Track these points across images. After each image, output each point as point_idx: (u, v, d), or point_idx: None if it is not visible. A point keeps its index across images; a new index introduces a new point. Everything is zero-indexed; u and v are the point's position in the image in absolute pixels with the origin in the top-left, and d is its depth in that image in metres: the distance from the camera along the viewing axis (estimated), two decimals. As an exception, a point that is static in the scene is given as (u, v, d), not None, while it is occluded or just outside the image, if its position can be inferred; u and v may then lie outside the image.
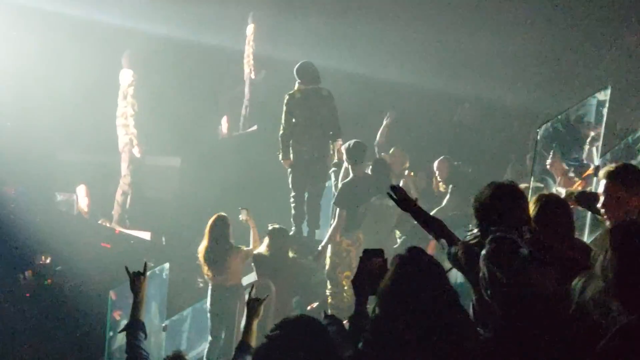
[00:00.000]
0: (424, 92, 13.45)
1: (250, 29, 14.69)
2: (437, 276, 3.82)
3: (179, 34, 13.42)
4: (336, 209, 9.43)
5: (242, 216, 9.20)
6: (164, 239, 11.81)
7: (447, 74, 13.55)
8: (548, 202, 4.81)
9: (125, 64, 12.13)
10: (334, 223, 9.43)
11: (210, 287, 9.01)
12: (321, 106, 10.04)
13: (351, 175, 9.44)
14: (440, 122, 13.33)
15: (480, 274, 3.85)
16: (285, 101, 10.09)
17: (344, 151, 9.47)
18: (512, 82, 13.20)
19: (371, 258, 4.18)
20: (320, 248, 9.52)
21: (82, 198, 12.26)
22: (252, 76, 14.70)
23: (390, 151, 11.23)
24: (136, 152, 12.20)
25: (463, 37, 13.64)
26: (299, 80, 10.09)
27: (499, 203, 4.43)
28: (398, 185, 4.85)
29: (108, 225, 11.94)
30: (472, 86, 13.20)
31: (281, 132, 10.19)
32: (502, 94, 12.97)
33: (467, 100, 13.51)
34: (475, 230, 4.62)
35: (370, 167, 9.74)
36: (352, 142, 9.45)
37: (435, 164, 10.48)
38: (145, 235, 11.59)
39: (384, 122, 12.08)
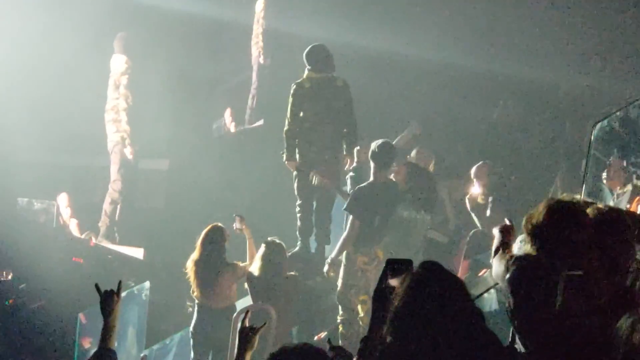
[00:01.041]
0: (457, 77, 13.34)
1: (260, 3, 14.57)
2: (457, 294, 3.78)
3: (175, 8, 13.37)
4: (349, 218, 9.32)
5: (237, 224, 9.13)
6: (156, 262, 11.72)
7: (484, 55, 13.42)
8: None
9: (117, 48, 12.03)
10: (344, 234, 9.30)
11: (196, 307, 8.95)
12: (334, 99, 9.94)
13: (371, 178, 9.33)
14: (476, 119, 13.22)
15: (506, 303, 3.82)
16: (292, 91, 9.97)
17: (369, 152, 9.35)
18: (568, 68, 13.04)
19: (396, 270, 4.08)
20: (328, 263, 9.40)
21: (63, 209, 12.21)
22: (261, 60, 14.57)
23: (413, 153, 11.11)
24: (128, 153, 12.08)
25: (504, 10, 13.54)
26: (309, 67, 9.96)
27: (555, 228, 4.36)
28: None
29: (94, 239, 11.86)
30: (516, 73, 13.06)
31: (286, 128, 10.07)
32: (553, 84, 12.82)
33: (510, 91, 13.39)
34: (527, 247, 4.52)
35: (407, 173, 9.60)
36: (379, 142, 9.26)
37: (473, 170, 10.36)
38: (139, 253, 11.51)
39: (407, 132, 11.91)
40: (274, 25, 14.45)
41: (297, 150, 10.11)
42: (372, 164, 9.28)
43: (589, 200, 7.24)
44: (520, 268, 3.84)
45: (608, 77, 12.56)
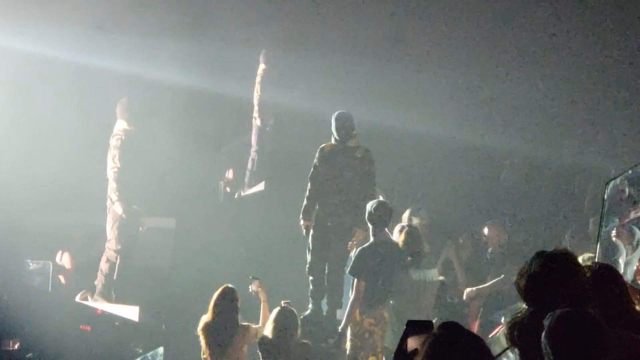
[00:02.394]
0: (460, 145, 13.46)
1: (260, 68, 14.75)
2: (479, 353, 3.77)
3: (178, 78, 13.56)
4: (354, 281, 9.38)
5: (253, 287, 9.16)
6: (164, 326, 11.68)
7: (488, 123, 13.57)
8: (599, 270, 4.77)
9: (119, 113, 12.15)
10: (351, 298, 9.34)
11: None
12: (347, 168, 10.04)
13: (371, 239, 9.41)
14: (484, 180, 13.30)
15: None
16: (316, 154, 10.14)
17: (366, 212, 9.46)
18: (567, 134, 13.19)
19: (416, 331, 4.12)
20: (340, 329, 9.43)
21: (64, 268, 12.19)
22: (258, 123, 14.67)
23: (416, 220, 11.12)
24: (118, 208, 12.08)
25: (504, 84, 13.71)
26: (334, 134, 10.12)
27: (550, 278, 4.33)
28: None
29: (90, 298, 11.83)
30: (519, 139, 13.20)
31: (308, 187, 10.23)
32: (556, 148, 12.96)
33: (515, 155, 13.49)
34: (521, 312, 4.50)
35: (403, 236, 9.67)
36: (375, 202, 9.44)
37: (485, 230, 10.43)
38: (134, 312, 11.47)
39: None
40: (272, 92, 14.63)
41: (312, 212, 10.18)
42: (370, 226, 9.39)
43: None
44: (562, 320, 3.83)
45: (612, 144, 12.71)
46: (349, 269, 9.45)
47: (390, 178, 12.33)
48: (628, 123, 12.81)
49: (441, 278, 10.19)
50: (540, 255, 4.46)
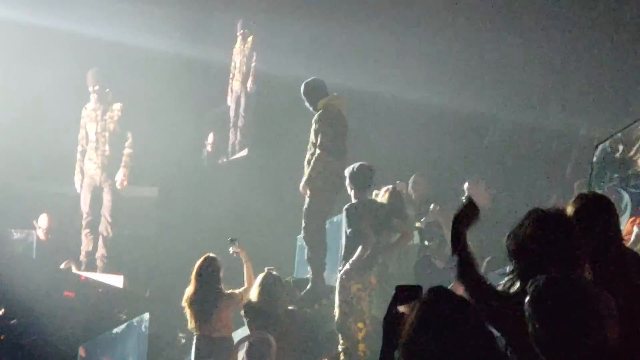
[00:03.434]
0: (445, 109, 13.42)
1: (239, 35, 14.71)
2: (468, 317, 3.73)
3: (159, 45, 13.47)
4: (353, 237, 9.19)
5: (233, 248, 9.11)
6: (148, 290, 11.64)
7: (472, 86, 13.52)
8: (589, 201, 4.75)
9: (89, 81, 12.03)
10: (361, 245, 9.08)
11: (195, 339, 8.87)
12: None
13: (354, 200, 9.32)
14: (469, 144, 13.29)
15: (530, 329, 3.75)
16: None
17: (347, 175, 9.38)
18: (552, 99, 13.18)
19: (405, 296, 4.08)
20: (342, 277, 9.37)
21: (42, 230, 12.13)
22: (249, 88, 14.64)
23: (411, 179, 11.15)
24: (117, 179, 12.03)
25: (491, 49, 13.66)
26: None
27: (544, 238, 4.26)
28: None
29: (74, 268, 11.78)
30: (505, 104, 13.17)
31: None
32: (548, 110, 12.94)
33: (500, 120, 13.47)
34: (511, 275, 4.46)
35: (387, 196, 9.63)
36: (356, 165, 9.33)
37: (466, 185, 10.39)
38: (118, 281, 11.45)
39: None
40: (253, 59, 14.58)
41: None
42: (351, 187, 9.30)
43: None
44: (546, 287, 3.78)
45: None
46: (348, 230, 9.28)
47: (378, 145, 12.26)
48: (614, 88, 12.79)
49: (425, 242, 10.17)
50: (532, 213, 4.39)
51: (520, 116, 13.07)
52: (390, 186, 9.86)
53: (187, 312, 8.81)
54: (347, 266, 9.10)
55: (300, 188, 10.00)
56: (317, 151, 9.89)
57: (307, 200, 9.98)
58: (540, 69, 13.26)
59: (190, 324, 8.84)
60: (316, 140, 9.89)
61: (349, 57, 14.07)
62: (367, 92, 13.44)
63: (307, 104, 10.09)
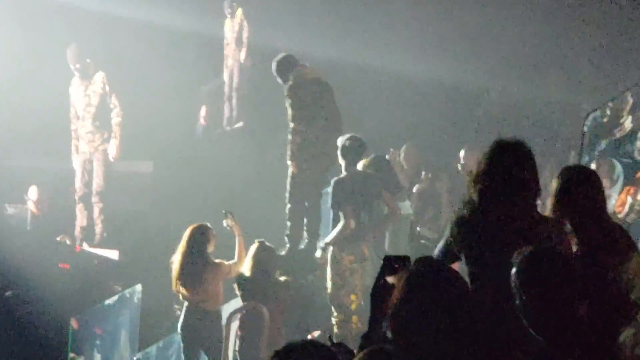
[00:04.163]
0: (438, 81, 13.39)
1: (232, 9, 14.70)
2: (455, 286, 3.72)
3: (152, 18, 13.40)
4: (336, 214, 9.23)
5: (227, 221, 9.10)
6: (143, 267, 11.60)
7: (465, 59, 13.48)
8: (572, 174, 4.73)
9: (70, 58, 11.95)
10: (338, 227, 9.16)
11: (184, 308, 8.88)
12: None
13: (344, 173, 9.33)
14: (460, 116, 13.25)
15: (517, 301, 3.75)
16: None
17: (338, 146, 9.36)
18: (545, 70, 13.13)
19: (393, 267, 4.06)
20: (321, 247, 9.36)
21: (32, 202, 12.11)
22: (242, 61, 14.63)
23: (403, 147, 11.12)
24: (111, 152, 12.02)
25: (483, 19, 13.60)
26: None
27: (500, 165, 4.35)
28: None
29: (69, 243, 11.78)
30: (498, 70, 13.12)
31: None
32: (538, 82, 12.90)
33: (492, 91, 13.44)
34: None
35: (378, 168, 9.60)
36: (346, 136, 9.30)
37: (462, 153, 10.37)
38: (113, 254, 11.44)
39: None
40: (247, 32, 14.53)
41: None
42: (342, 160, 9.27)
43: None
44: (531, 259, 3.78)
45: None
46: (330, 205, 9.31)
47: (370, 116, 12.22)
48: (606, 59, 12.76)
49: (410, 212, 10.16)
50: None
51: (514, 86, 13.03)
52: (375, 155, 9.85)
53: (174, 275, 8.80)
54: (328, 240, 9.19)
55: (288, 164, 10.08)
56: (291, 125, 10.00)
57: (290, 172, 10.10)
58: (534, 39, 13.22)
59: (177, 291, 8.84)
60: (288, 114, 9.99)
61: (339, 27, 14.00)
62: (360, 64, 13.39)
63: (279, 80, 10.16)
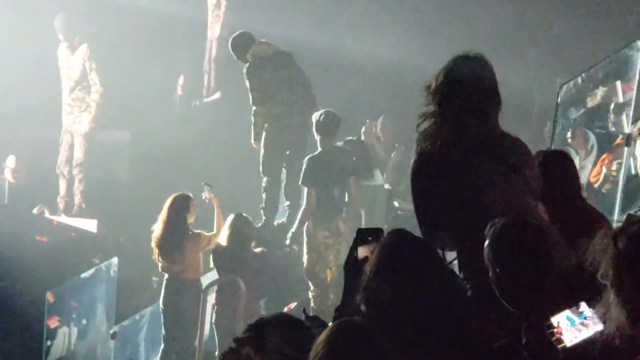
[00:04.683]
0: (413, 56, 13.34)
1: None
2: (428, 258, 3.75)
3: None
4: (304, 191, 9.30)
5: (205, 194, 9.08)
6: (121, 239, 11.59)
7: (439, 37, 13.44)
8: (551, 156, 4.72)
9: (58, 27, 11.86)
10: (302, 207, 9.30)
11: (165, 280, 8.90)
12: None
13: (319, 149, 9.32)
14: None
15: (490, 273, 3.75)
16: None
17: (313, 122, 9.35)
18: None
19: (366, 239, 4.05)
20: (289, 237, 9.52)
21: (10, 170, 12.03)
22: (217, 34, 14.56)
23: (379, 120, 11.11)
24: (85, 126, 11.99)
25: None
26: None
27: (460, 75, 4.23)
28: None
29: (47, 213, 11.72)
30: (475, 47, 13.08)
31: None
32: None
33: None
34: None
35: (352, 145, 9.64)
36: (322, 112, 9.31)
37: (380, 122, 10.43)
38: (91, 225, 11.39)
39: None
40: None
41: None
42: (317, 135, 9.30)
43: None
44: (504, 230, 3.77)
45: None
46: (301, 179, 9.33)
47: (345, 90, 12.20)
48: (583, 31, 12.79)
49: (387, 186, 10.19)
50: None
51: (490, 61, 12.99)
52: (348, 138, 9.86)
53: (154, 245, 8.82)
54: (294, 229, 9.42)
55: (254, 146, 10.24)
56: (253, 107, 10.10)
57: (260, 150, 10.21)
58: (511, 14, 13.21)
59: (158, 261, 8.85)
60: (249, 96, 10.09)
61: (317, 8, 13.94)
62: (339, 45, 13.37)
63: (235, 58, 10.25)
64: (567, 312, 3.31)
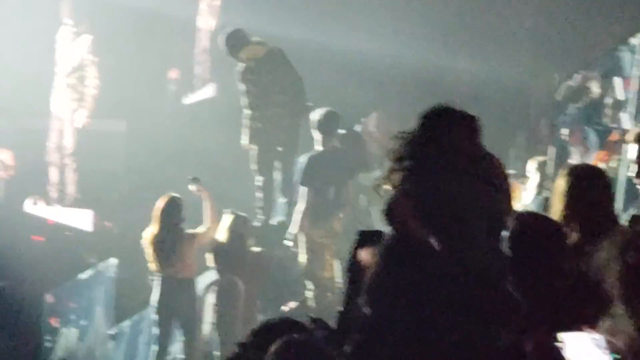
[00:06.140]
0: (408, 53, 13.37)
1: None
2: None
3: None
4: (302, 190, 9.27)
5: (193, 188, 9.07)
6: (117, 230, 11.56)
7: (433, 34, 13.47)
8: (582, 173, 4.62)
9: (64, 12, 11.86)
10: (299, 206, 9.28)
11: (159, 281, 8.87)
12: None
13: (320, 148, 9.31)
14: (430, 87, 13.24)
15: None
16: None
17: (312, 120, 9.35)
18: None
19: (367, 241, 4.06)
20: (287, 239, 9.50)
21: (2, 163, 12.02)
22: (207, 26, 14.53)
23: (372, 116, 11.13)
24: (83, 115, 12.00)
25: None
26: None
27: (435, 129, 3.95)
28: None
29: (42, 204, 11.69)
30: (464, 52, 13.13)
31: None
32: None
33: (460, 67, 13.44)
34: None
35: (339, 140, 9.63)
36: (321, 110, 9.30)
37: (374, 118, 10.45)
38: (87, 215, 11.38)
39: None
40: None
41: None
42: (318, 134, 9.29)
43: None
44: (520, 222, 3.77)
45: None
46: (299, 179, 9.33)
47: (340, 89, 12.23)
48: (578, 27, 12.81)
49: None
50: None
51: (485, 58, 13.04)
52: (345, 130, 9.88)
53: (149, 251, 8.81)
54: (292, 230, 9.33)
55: (246, 148, 10.25)
56: (245, 111, 10.07)
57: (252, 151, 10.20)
58: (506, 11, 13.22)
59: (152, 266, 8.85)
60: (242, 100, 10.09)
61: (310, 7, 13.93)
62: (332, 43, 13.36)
63: (227, 54, 10.20)
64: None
